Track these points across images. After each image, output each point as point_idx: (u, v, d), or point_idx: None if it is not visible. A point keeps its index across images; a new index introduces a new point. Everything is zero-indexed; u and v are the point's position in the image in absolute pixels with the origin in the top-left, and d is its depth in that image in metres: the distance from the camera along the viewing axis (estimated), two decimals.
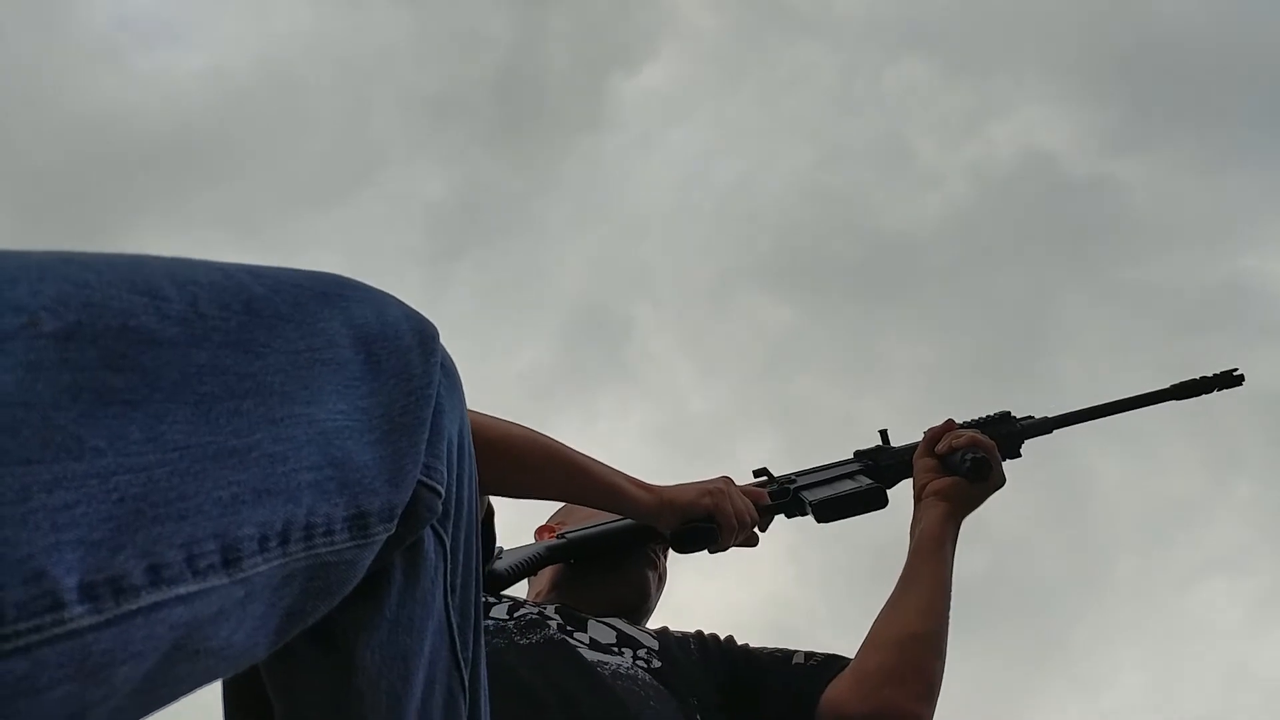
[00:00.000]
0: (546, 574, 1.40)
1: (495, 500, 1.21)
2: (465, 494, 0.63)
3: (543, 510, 1.51)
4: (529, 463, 1.11)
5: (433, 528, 0.59)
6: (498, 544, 1.31)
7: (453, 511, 0.61)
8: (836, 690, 1.17)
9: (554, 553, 1.37)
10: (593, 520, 1.38)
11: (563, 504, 1.46)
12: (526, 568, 1.33)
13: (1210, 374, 1.43)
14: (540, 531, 1.44)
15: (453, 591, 0.64)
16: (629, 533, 1.35)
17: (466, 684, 0.66)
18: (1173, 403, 1.45)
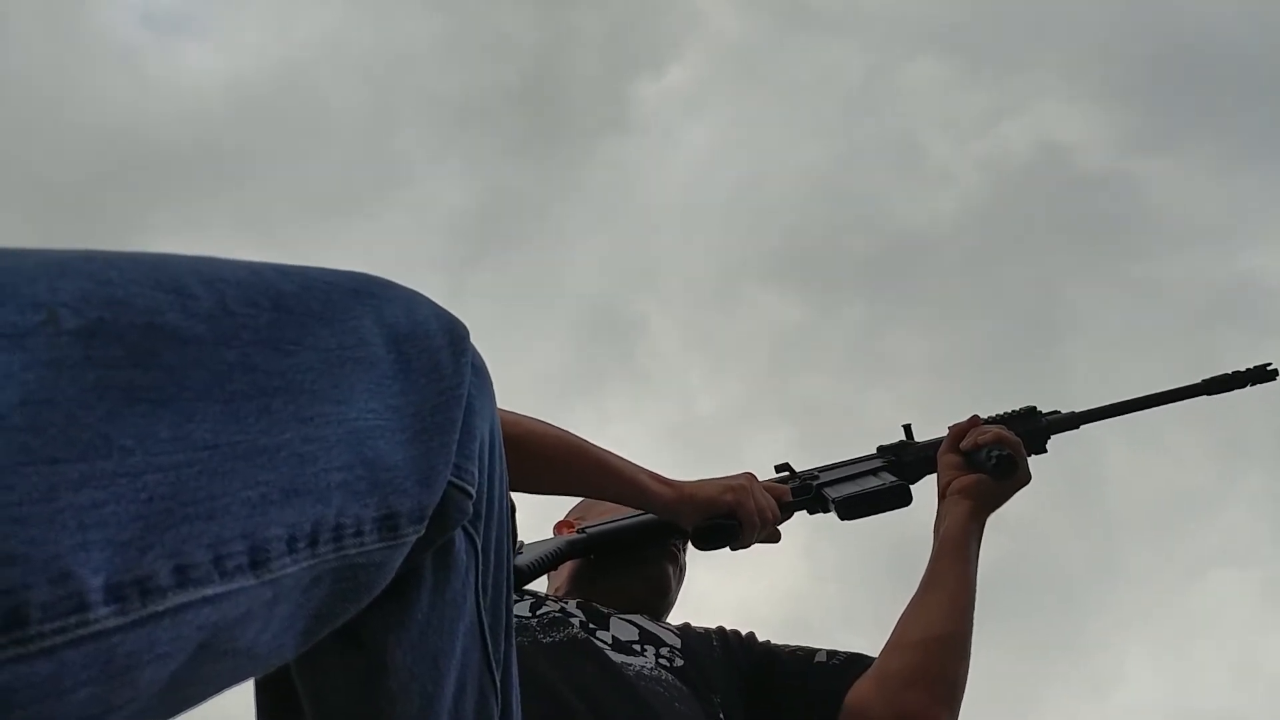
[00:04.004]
0: (566, 569, 1.39)
1: (516, 496, 1.21)
2: (496, 494, 0.62)
3: (561, 505, 1.51)
4: (551, 459, 1.10)
5: (464, 528, 0.58)
6: (518, 539, 1.30)
7: (484, 512, 0.60)
8: (859, 692, 1.16)
9: (574, 548, 1.36)
10: (612, 515, 1.37)
11: (582, 499, 1.46)
12: (547, 563, 1.33)
13: (1244, 369, 1.41)
14: (559, 526, 1.43)
15: (484, 592, 0.63)
16: (649, 528, 1.34)
17: (499, 685, 0.65)
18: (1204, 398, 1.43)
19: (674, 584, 1.39)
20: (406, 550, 0.50)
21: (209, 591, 0.37)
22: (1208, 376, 1.42)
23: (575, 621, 1.15)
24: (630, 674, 1.07)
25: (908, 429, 1.46)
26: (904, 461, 1.43)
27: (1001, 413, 1.43)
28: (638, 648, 1.15)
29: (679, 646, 1.19)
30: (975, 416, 1.40)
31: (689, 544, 1.37)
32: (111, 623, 0.33)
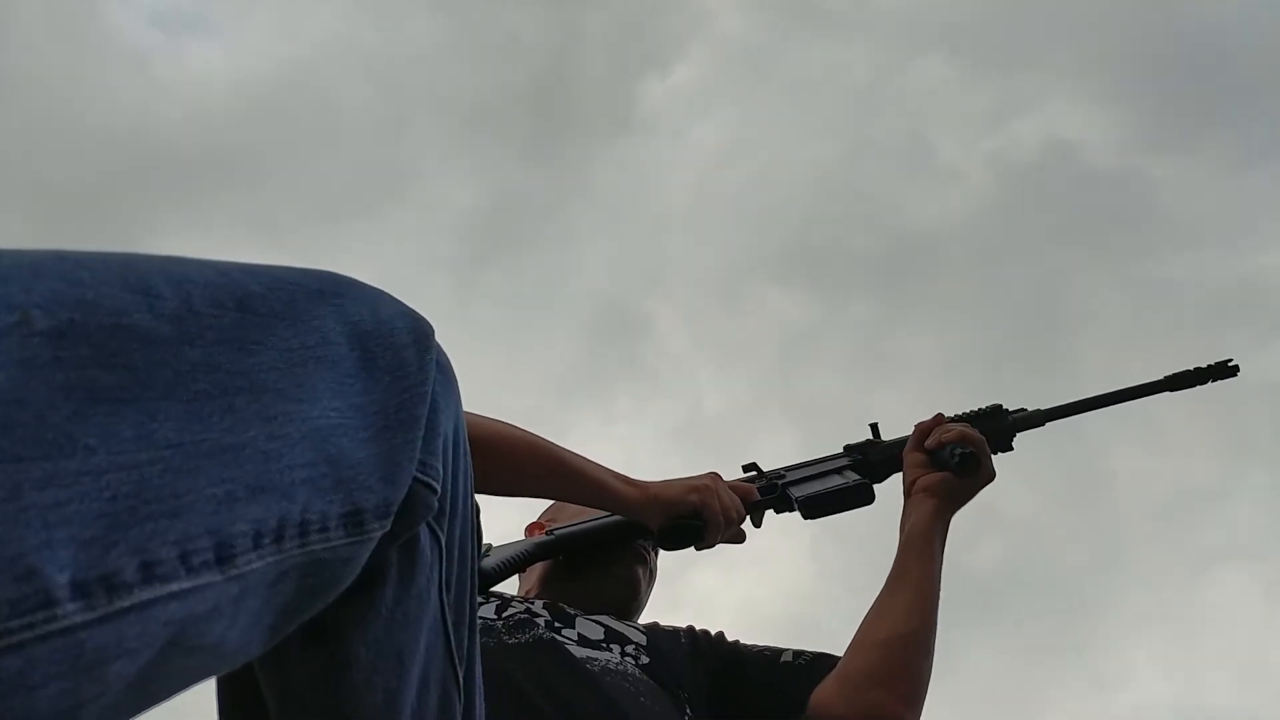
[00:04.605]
0: (536, 571, 1.40)
1: (482, 498, 1.21)
2: (461, 491, 0.63)
3: (534, 507, 1.51)
4: (515, 460, 1.10)
5: (428, 525, 0.59)
6: (486, 541, 1.30)
7: (448, 509, 0.61)
8: (824, 692, 1.17)
9: (542, 549, 1.36)
10: (582, 517, 1.37)
11: (553, 501, 1.46)
12: (515, 565, 1.33)
13: (1205, 365, 1.42)
14: (530, 528, 1.44)
15: (448, 588, 0.63)
16: (617, 529, 1.34)
17: (462, 681, 0.66)
18: (1168, 394, 1.44)
19: (644, 586, 1.39)
20: (372, 546, 0.50)
21: (175, 587, 0.37)
22: (1170, 373, 1.44)
23: (541, 621, 1.15)
24: (595, 669, 1.08)
25: (874, 428, 1.47)
26: (870, 460, 1.44)
27: (967, 411, 1.45)
28: (603, 645, 1.16)
29: (645, 644, 1.19)
30: (940, 415, 1.41)
31: (659, 546, 1.38)
32: (78, 618, 0.33)
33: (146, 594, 0.36)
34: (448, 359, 0.59)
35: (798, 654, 1.25)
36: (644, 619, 1.37)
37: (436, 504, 0.56)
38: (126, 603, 0.35)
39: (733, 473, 1.41)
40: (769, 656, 1.25)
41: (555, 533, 1.37)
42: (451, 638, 0.64)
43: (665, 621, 1.32)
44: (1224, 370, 1.42)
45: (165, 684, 0.41)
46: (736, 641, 1.29)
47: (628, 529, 1.33)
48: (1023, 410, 1.45)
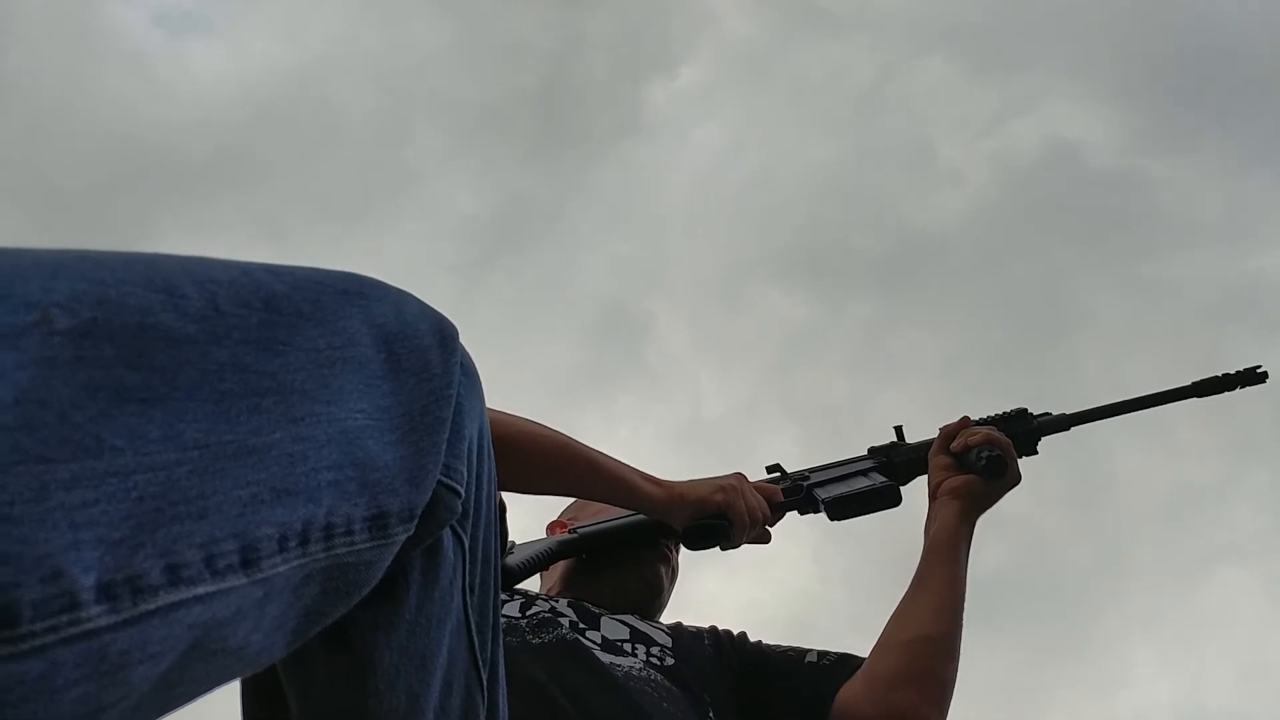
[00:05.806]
0: (558, 569, 1.40)
1: (507, 495, 1.21)
2: (484, 494, 0.62)
3: (555, 505, 1.51)
4: (540, 458, 1.10)
5: (452, 528, 0.58)
6: (510, 539, 1.30)
7: (472, 511, 0.60)
8: (849, 693, 1.16)
9: (565, 548, 1.36)
10: (605, 515, 1.37)
11: (574, 499, 1.46)
12: (538, 563, 1.33)
13: (1233, 371, 1.41)
14: (552, 526, 1.44)
15: (471, 591, 0.63)
16: (641, 528, 1.34)
17: (485, 685, 0.65)
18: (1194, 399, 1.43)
19: (666, 585, 1.39)
20: (396, 549, 0.50)
21: (200, 590, 0.37)
22: (1198, 379, 1.43)
23: (565, 622, 1.15)
24: (619, 674, 1.07)
25: (899, 430, 1.46)
26: (895, 463, 1.43)
27: (992, 414, 1.44)
28: (628, 647, 1.15)
29: (670, 646, 1.19)
30: (966, 418, 1.40)
31: (680, 545, 1.38)
32: (103, 621, 0.33)
33: (171, 597, 0.36)
34: (471, 361, 0.58)
35: (822, 654, 1.25)
36: (667, 618, 1.37)
37: (460, 507, 0.56)
38: (151, 605, 0.35)
39: (757, 474, 1.41)
40: (793, 657, 1.25)
41: (578, 531, 1.37)
42: (475, 640, 0.64)
43: (688, 621, 1.31)
44: (1253, 377, 1.41)
45: (188, 687, 0.41)
46: (759, 642, 1.29)
47: (652, 528, 1.33)
48: (1048, 414, 1.45)
